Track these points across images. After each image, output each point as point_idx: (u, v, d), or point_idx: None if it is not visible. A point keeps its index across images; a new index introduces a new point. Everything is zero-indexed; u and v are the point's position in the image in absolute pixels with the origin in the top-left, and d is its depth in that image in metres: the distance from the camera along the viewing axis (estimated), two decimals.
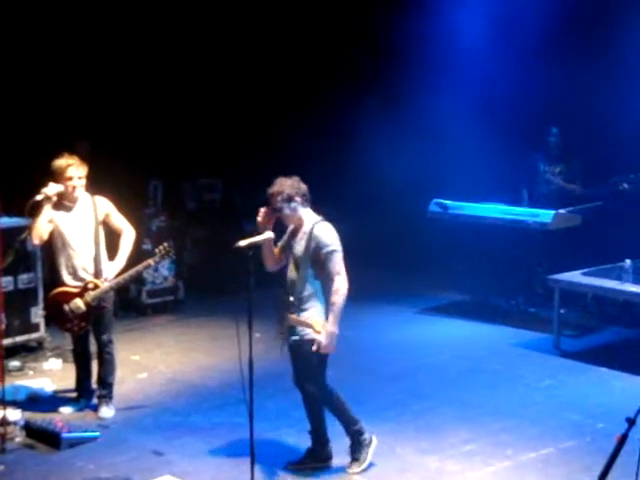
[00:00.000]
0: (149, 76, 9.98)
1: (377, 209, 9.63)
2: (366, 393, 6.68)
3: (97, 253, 6.37)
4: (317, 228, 5.31)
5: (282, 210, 5.33)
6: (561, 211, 8.55)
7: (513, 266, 8.88)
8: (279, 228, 5.51)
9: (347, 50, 10.22)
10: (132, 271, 6.38)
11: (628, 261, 7.68)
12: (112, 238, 6.54)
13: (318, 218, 5.41)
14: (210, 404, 6.68)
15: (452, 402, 6.62)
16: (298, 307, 5.30)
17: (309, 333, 5.29)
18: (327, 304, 5.28)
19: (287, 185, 5.33)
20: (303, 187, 5.38)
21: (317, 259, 5.28)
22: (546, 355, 7.69)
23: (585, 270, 7.97)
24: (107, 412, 6.45)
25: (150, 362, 7.70)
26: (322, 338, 5.24)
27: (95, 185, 6.54)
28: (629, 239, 8.13)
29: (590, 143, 8.96)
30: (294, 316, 5.31)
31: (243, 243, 5.05)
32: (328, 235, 5.31)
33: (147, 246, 9.07)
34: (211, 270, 9.78)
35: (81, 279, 6.36)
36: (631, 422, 3.20)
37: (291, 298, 5.29)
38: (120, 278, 6.39)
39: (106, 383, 6.51)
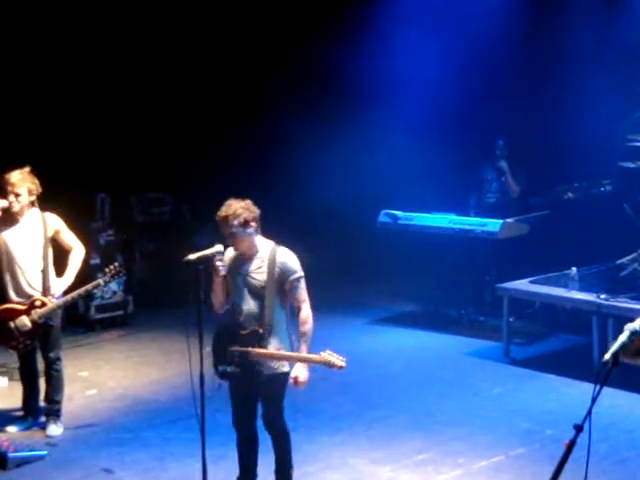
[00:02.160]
0: (96, 90, 9.88)
1: (326, 221, 9.65)
2: (318, 404, 6.67)
3: (45, 270, 6.28)
4: (280, 254, 4.99)
5: (236, 235, 4.94)
6: (509, 220, 8.66)
7: (462, 275, 8.97)
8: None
9: (296, 61, 10.23)
10: (81, 290, 6.29)
11: (574, 269, 7.80)
12: (60, 254, 6.45)
13: (272, 243, 5.08)
14: (161, 419, 6.61)
15: (404, 411, 6.65)
16: (264, 339, 4.96)
17: (284, 365, 5.01)
18: (289, 333, 5.00)
19: (242, 208, 4.91)
20: (257, 211, 4.99)
21: (282, 287, 4.98)
22: (496, 363, 7.76)
23: (533, 278, 8.08)
24: (55, 430, 6.35)
25: (99, 378, 7.61)
26: (299, 373, 4.96)
27: (41, 199, 6.45)
28: (575, 247, 8.26)
29: (536, 153, 9.09)
30: (265, 350, 4.95)
31: (193, 257, 4.97)
32: (292, 261, 5.00)
33: (95, 260, 8.98)
34: (161, 284, 9.69)
35: (28, 296, 6.26)
36: (579, 429, 3.24)
37: (260, 330, 4.93)
38: (68, 296, 6.30)
39: (54, 401, 6.41)
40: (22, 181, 6.17)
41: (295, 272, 4.99)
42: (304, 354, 4.95)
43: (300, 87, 10.12)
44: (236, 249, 5.03)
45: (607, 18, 8.32)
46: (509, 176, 8.93)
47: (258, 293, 4.97)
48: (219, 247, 5.07)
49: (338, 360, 4.85)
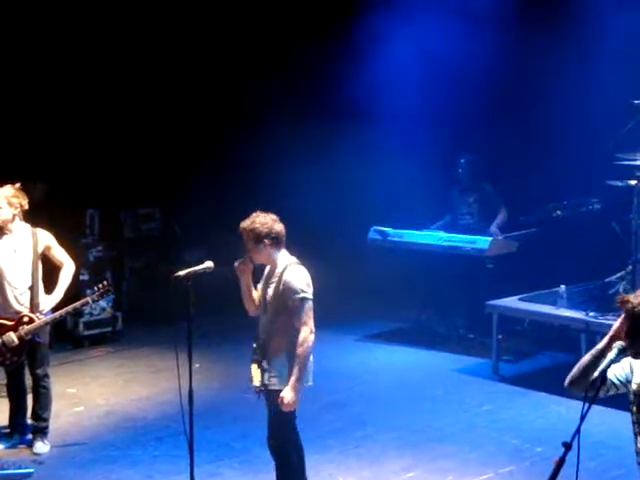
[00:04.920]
0: (86, 106, 9.87)
1: (317, 237, 9.65)
2: (307, 421, 6.60)
3: (33, 286, 6.25)
4: (287, 272, 4.98)
5: (250, 248, 5.02)
6: (498, 238, 8.69)
7: (452, 292, 8.97)
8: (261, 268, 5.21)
9: (287, 77, 10.26)
10: (69, 307, 6.27)
11: (563, 287, 7.82)
12: (50, 270, 6.43)
13: (292, 260, 5.09)
14: (149, 436, 6.58)
15: (393, 429, 6.64)
16: (263, 355, 5.00)
17: (275, 384, 5.00)
18: (291, 355, 4.96)
19: (259, 223, 4.99)
20: (277, 228, 5.01)
21: (285, 305, 4.96)
22: (485, 380, 7.77)
23: (522, 296, 8.09)
24: (42, 447, 6.30)
25: (87, 395, 7.56)
26: (285, 394, 4.94)
27: (30, 215, 6.43)
28: (564, 265, 8.29)
29: (526, 170, 9.14)
30: (255, 366, 5.03)
31: (182, 273, 4.97)
32: (298, 280, 4.96)
33: (84, 276, 8.95)
34: (150, 300, 9.66)
35: (16, 312, 6.23)
36: (567, 446, 3.25)
37: (254, 345, 5.02)
38: (57, 314, 6.28)
39: (41, 418, 6.37)
40: (2, 195, 6.15)
41: (297, 292, 4.94)
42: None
43: (291, 104, 10.15)
44: (254, 261, 5.11)
45: (593, 31, 8.38)
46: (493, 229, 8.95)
47: (267, 307, 5.04)
48: (209, 263, 5.09)
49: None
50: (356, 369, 8.11)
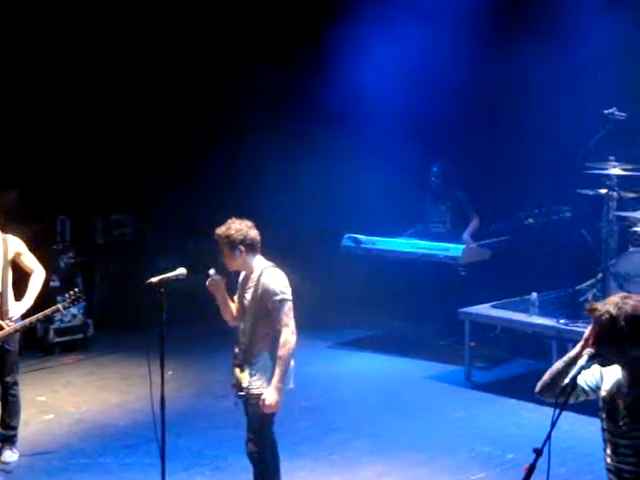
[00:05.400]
0: (56, 112, 9.80)
1: (290, 244, 9.65)
2: (280, 428, 6.57)
3: (3, 292, 6.19)
4: (265, 275, 5.01)
5: (225, 254, 5.04)
6: (471, 245, 8.74)
7: (424, 299, 9.00)
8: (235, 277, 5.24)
9: (260, 85, 10.25)
10: (39, 315, 6.20)
11: (534, 294, 7.87)
12: (20, 277, 6.37)
13: (268, 264, 5.12)
14: (120, 444, 6.53)
15: (366, 436, 6.64)
16: (245, 360, 5.02)
17: (258, 387, 4.99)
18: (274, 358, 4.99)
19: (234, 229, 5.02)
20: (252, 234, 5.04)
21: (265, 308, 4.98)
22: (458, 387, 7.79)
23: (494, 303, 8.14)
24: (10, 456, 6.23)
25: (57, 403, 7.49)
26: (267, 395, 4.93)
27: (0, 221, 6.37)
28: (535, 272, 8.34)
29: (499, 179, 9.20)
30: (237, 370, 5.04)
31: (155, 279, 4.95)
32: (277, 282, 5.00)
33: (55, 283, 8.88)
34: (122, 307, 9.61)
35: None
36: (538, 452, 3.27)
37: (235, 350, 5.04)
38: (26, 321, 6.22)
39: (10, 426, 6.30)
40: None
41: (277, 294, 4.98)
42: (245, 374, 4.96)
43: (266, 110, 10.14)
44: (229, 267, 5.13)
45: (564, 41, 8.45)
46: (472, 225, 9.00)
47: (246, 312, 5.05)
48: (182, 270, 5.08)
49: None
50: (329, 376, 8.11)
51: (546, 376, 3.55)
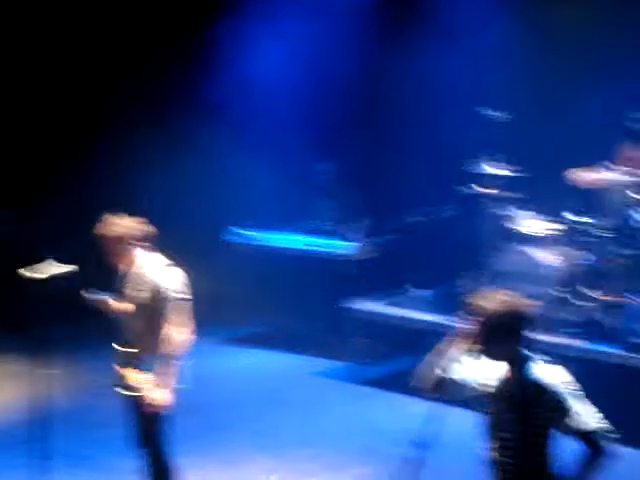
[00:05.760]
0: None
1: (173, 239, 9.56)
2: (166, 426, 6.56)
3: None
4: (156, 273, 4.95)
5: (111, 251, 4.93)
6: (360, 243, 8.85)
7: (312, 295, 9.05)
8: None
9: (145, 77, 10.10)
10: None
11: (418, 290, 8.05)
12: None
13: (160, 261, 5.03)
14: None
15: (254, 433, 6.64)
16: (133, 359, 4.94)
17: (146, 387, 4.91)
18: (163, 356, 4.92)
19: (122, 226, 4.95)
20: (139, 229, 4.99)
21: (155, 306, 4.92)
22: (345, 383, 7.88)
23: (381, 299, 8.28)
24: None
25: None
26: (156, 394, 4.87)
27: None
28: (420, 269, 8.51)
29: (387, 177, 9.34)
30: (126, 370, 4.96)
31: (40, 277, 4.82)
32: (171, 281, 4.95)
33: None
34: (5, 305, 9.29)
35: None
36: (420, 446, 3.35)
37: (125, 349, 4.94)
38: None
39: None
40: None
41: (171, 293, 4.90)
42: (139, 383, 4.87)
43: (151, 104, 9.99)
44: (115, 264, 5.00)
45: (447, 40, 8.63)
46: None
47: (136, 310, 4.93)
48: (67, 268, 4.96)
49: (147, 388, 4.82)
50: (216, 373, 8.06)
51: (422, 369, 3.61)
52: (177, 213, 9.59)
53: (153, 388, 4.89)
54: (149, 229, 5.03)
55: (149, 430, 5.00)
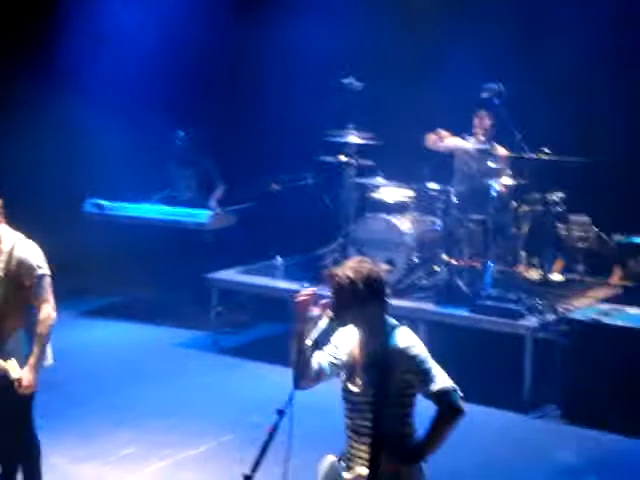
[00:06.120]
0: None
1: (26, 211, 9.22)
2: None
3: None
4: (19, 248, 4.64)
5: None
6: (217, 211, 8.79)
7: (172, 266, 8.93)
8: None
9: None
10: None
11: (279, 259, 8.08)
12: None
13: (17, 235, 4.72)
14: None
15: (111, 406, 6.52)
16: None
17: (13, 369, 4.59)
18: (30, 335, 4.63)
19: None
20: None
21: (20, 283, 4.62)
22: (205, 353, 7.85)
23: (240, 268, 8.26)
24: None
25: None
26: (24, 374, 4.58)
27: None
28: (280, 238, 8.54)
29: (240, 145, 9.29)
30: None
31: None
32: (34, 256, 4.64)
33: None
34: None
35: None
36: (281, 413, 3.36)
37: None
38: None
39: None
40: None
41: (35, 269, 4.63)
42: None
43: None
44: None
45: (292, 11, 8.64)
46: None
47: None
48: None
49: (14, 371, 4.58)
50: (73, 347, 7.82)
51: (294, 368, 3.58)
52: (30, 184, 9.24)
53: (24, 370, 4.61)
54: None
55: (19, 420, 4.76)
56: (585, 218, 8.13)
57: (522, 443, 6.19)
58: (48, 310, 4.68)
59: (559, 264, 8.04)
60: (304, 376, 3.55)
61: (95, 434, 6.04)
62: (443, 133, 7.76)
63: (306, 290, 3.61)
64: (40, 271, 4.68)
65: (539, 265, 7.88)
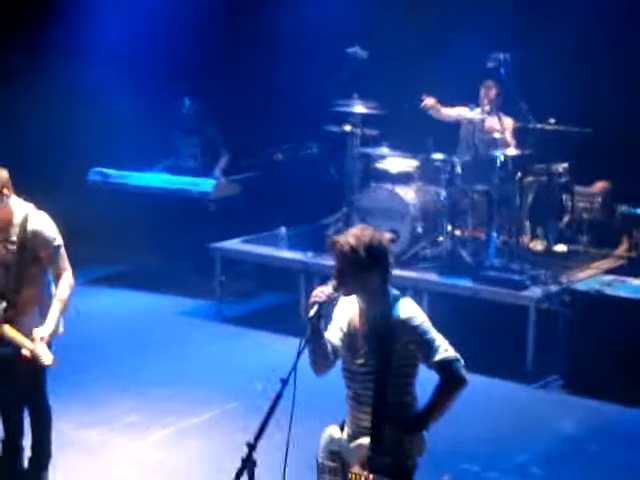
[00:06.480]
0: None
1: (34, 181, 9.20)
2: None
3: None
4: (33, 220, 4.60)
5: None
6: (221, 180, 8.78)
7: (176, 235, 8.94)
8: None
9: None
10: None
11: (283, 229, 8.08)
12: None
13: (29, 206, 4.68)
14: None
15: (114, 374, 6.56)
16: (12, 313, 4.59)
17: (32, 341, 4.54)
18: (47, 306, 4.62)
19: None
20: (4, 175, 4.61)
21: (35, 255, 4.61)
22: (209, 322, 7.87)
23: (244, 238, 8.27)
24: None
25: None
26: (41, 347, 4.52)
27: None
28: (284, 207, 8.54)
29: (245, 115, 9.26)
30: (6, 327, 4.58)
31: None
32: (48, 228, 4.62)
33: None
34: None
35: None
36: (284, 382, 3.38)
37: (3, 304, 4.56)
38: None
39: None
40: None
41: (52, 240, 4.62)
42: (20, 338, 4.57)
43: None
44: None
45: None
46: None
47: (11, 260, 4.58)
48: None
49: (47, 358, 4.58)
50: (79, 314, 7.86)
51: (311, 359, 3.60)
52: (35, 153, 9.24)
53: (40, 341, 4.57)
54: (5, 173, 4.71)
55: (37, 389, 4.80)
56: (590, 189, 8.12)
57: (524, 413, 6.22)
58: (69, 277, 4.70)
59: (626, 243, 7.90)
60: (323, 364, 3.58)
61: (100, 401, 6.09)
62: (428, 100, 7.72)
63: (324, 291, 3.55)
64: (56, 242, 4.67)
65: (543, 236, 7.87)
